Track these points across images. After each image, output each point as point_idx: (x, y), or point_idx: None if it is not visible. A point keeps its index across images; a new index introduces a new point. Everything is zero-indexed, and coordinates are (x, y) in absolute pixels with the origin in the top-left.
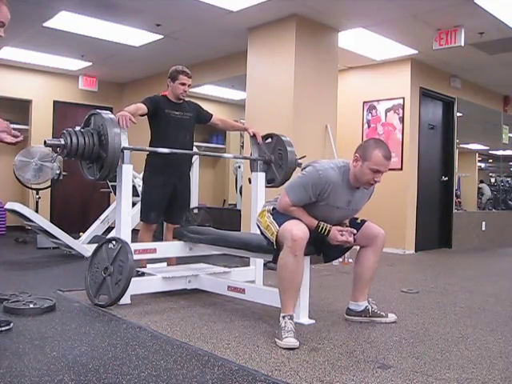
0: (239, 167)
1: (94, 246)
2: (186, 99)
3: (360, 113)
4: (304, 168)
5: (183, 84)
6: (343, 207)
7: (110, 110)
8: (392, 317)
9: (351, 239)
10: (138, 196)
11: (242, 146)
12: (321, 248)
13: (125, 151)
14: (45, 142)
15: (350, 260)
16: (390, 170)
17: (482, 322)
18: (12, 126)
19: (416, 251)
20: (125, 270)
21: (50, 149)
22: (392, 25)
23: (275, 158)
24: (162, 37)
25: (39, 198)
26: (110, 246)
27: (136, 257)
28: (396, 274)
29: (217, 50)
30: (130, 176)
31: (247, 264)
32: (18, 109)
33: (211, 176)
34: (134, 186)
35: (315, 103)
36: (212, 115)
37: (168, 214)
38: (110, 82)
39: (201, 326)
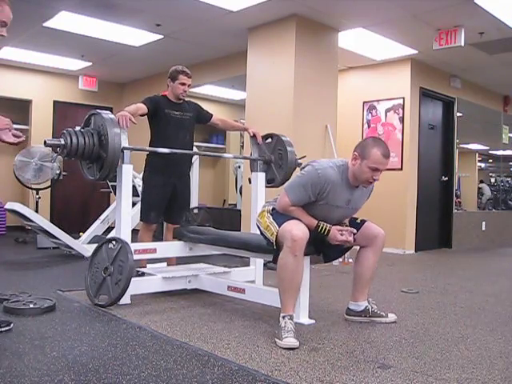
0: (239, 167)
1: (94, 245)
2: (186, 99)
3: (360, 113)
4: (303, 168)
5: (183, 84)
6: (343, 206)
7: (110, 110)
8: (392, 317)
9: (351, 239)
10: (138, 196)
11: (242, 146)
12: (321, 248)
13: (125, 151)
14: (45, 141)
15: (350, 260)
16: (390, 170)
17: (481, 322)
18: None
19: (416, 251)
20: (125, 270)
21: (50, 149)
22: (392, 25)
23: (275, 158)
24: (162, 37)
25: (39, 197)
26: (110, 245)
27: (136, 257)
28: (396, 274)
29: (217, 50)
30: (130, 176)
31: (247, 264)
32: (18, 109)
33: (211, 176)
34: (134, 186)
35: (315, 103)
36: (212, 115)
37: (168, 213)
38: (110, 82)
39: (201, 326)
